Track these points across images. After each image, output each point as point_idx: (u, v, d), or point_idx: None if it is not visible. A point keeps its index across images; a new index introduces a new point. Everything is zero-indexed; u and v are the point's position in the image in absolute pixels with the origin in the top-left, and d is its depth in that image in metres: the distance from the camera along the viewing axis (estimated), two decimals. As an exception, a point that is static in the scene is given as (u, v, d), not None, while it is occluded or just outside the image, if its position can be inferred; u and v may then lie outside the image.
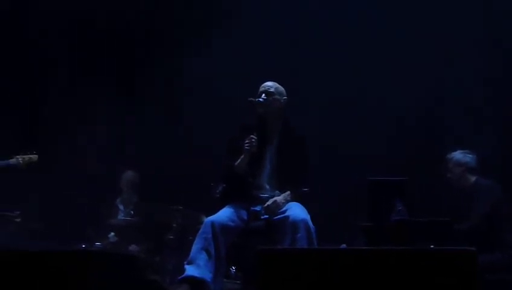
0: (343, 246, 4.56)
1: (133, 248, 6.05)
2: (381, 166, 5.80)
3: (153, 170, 6.67)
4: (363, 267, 2.72)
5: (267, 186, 4.31)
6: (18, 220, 5.64)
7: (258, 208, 4.23)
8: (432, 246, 3.64)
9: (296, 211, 4.10)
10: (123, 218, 6.28)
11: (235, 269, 5.15)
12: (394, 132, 6.14)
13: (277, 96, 4.38)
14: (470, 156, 5.13)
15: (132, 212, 6.32)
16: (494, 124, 5.89)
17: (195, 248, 4.03)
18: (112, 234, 6.06)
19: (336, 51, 6.34)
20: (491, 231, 4.81)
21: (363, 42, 6.23)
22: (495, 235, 4.81)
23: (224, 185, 4.61)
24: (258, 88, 4.42)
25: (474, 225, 4.82)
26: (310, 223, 4.03)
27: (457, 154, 5.15)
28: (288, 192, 4.23)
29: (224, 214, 4.17)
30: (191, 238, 5.04)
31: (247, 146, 4.16)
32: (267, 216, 4.20)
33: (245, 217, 4.12)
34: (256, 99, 4.26)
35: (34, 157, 5.39)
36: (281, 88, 4.45)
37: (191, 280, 3.94)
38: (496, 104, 5.91)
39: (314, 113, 6.15)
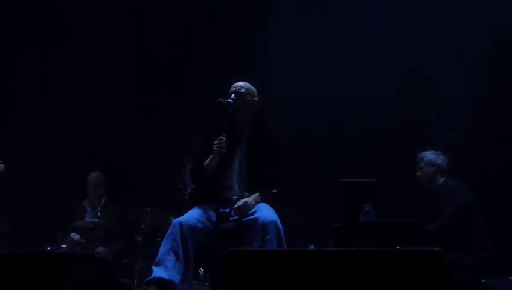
0: (312, 247, 4.59)
1: (100, 250, 5.98)
2: (352, 168, 5.84)
3: (121, 171, 6.62)
4: (332, 268, 2.72)
5: (237, 188, 4.28)
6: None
7: (227, 210, 4.21)
8: (398, 247, 3.67)
9: (266, 212, 4.09)
10: (90, 220, 6.20)
11: (204, 270, 5.12)
12: (365, 133, 6.18)
13: (248, 97, 4.33)
14: (442, 157, 5.21)
15: (99, 213, 6.24)
16: (466, 126, 5.98)
17: (163, 249, 3.99)
18: (73, 233, 5.98)
19: (309, 51, 6.36)
20: (459, 232, 4.87)
21: (337, 43, 6.25)
22: (463, 236, 4.87)
23: (193, 186, 4.58)
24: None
25: (442, 225, 4.88)
26: (279, 224, 4.03)
27: (430, 155, 5.21)
28: (258, 193, 4.21)
29: (193, 215, 4.13)
30: (159, 239, 5.01)
31: (216, 147, 4.13)
32: (236, 217, 4.18)
33: (213, 219, 4.09)
34: (226, 100, 4.22)
35: (1, 166, 5.29)
36: (253, 89, 4.39)
37: (159, 281, 3.90)
38: (470, 106, 5.98)
39: (287, 114, 6.15)
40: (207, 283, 5.01)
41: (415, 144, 5.67)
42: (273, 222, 3.98)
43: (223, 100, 4.20)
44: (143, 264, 5.53)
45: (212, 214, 4.11)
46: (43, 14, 6.96)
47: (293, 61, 6.34)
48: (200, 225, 4.09)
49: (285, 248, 3.98)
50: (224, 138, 4.12)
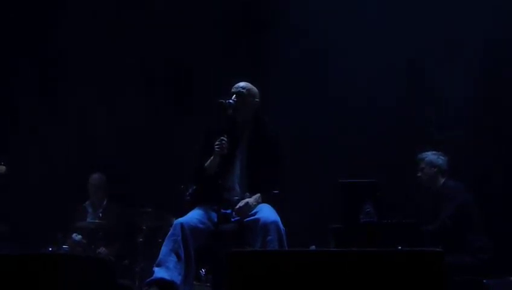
0: (313, 247, 4.59)
1: (101, 250, 5.99)
2: (352, 168, 5.84)
3: (122, 172, 6.62)
4: (333, 268, 2.73)
5: (237, 188, 4.28)
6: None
7: (228, 211, 4.21)
8: (399, 247, 3.68)
9: (267, 213, 4.09)
10: (92, 221, 6.20)
11: (205, 271, 5.13)
12: (365, 133, 6.19)
13: (249, 98, 4.33)
14: (443, 158, 5.21)
15: (101, 214, 6.24)
16: (466, 126, 5.99)
17: (164, 250, 4.00)
18: (75, 233, 5.99)
19: (309, 51, 6.36)
20: (459, 232, 4.87)
21: (337, 44, 6.25)
22: (463, 236, 4.87)
23: (194, 187, 4.58)
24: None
25: (442, 226, 4.89)
26: (281, 225, 4.03)
27: (431, 155, 5.21)
28: (259, 194, 4.21)
29: (194, 216, 4.14)
30: (160, 240, 5.01)
31: (217, 148, 4.13)
32: (237, 218, 4.19)
33: (215, 219, 4.10)
34: (226, 101, 4.22)
35: (2, 168, 5.29)
36: (254, 89, 4.39)
37: (160, 282, 3.90)
38: (470, 106, 5.99)
39: (287, 115, 6.15)
40: (208, 284, 5.02)
41: (415, 144, 5.67)
42: (275, 223, 3.99)
43: (223, 101, 4.20)
44: (144, 265, 5.55)
45: (214, 214, 4.12)
46: (44, 14, 6.97)
47: (293, 61, 6.34)
48: (201, 226, 4.09)
49: (287, 248, 3.99)
50: (225, 139, 4.13)
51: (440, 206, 5.03)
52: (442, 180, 5.17)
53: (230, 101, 4.22)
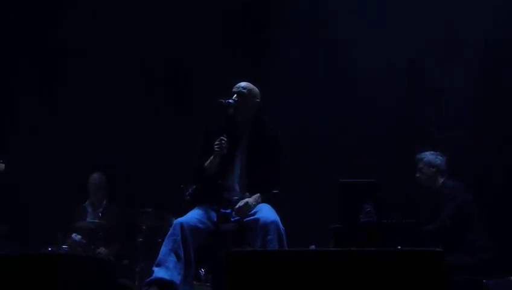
0: (313, 247, 4.59)
1: (101, 250, 5.99)
2: (352, 168, 5.85)
3: (122, 172, 6.62)
4: (332, 268, 2.73)
5: (237, 188, 4.28)
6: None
7: (228, 211, 4.21)
8: (399, 247, 3.68)
9: (267, 213, 4.09)
10: (91, 220, 6.20)
11: (205, 271, 5.13)
12: (365, 133, 6.19)
13: (249, 98, 4.33)
14: (441, 158, 5.21)
15: (100, 214, 6.25)
16: (466, 126, 5.99)
17: (164, 249, 4.00)
18: (75, 233, 5.99)
19: (309, 51, 6.36)
20: (459, 232, 4.87)
21: (337, 44, 6.25)
22: (463, 236, 4.88)
23: (194, 187, 4.58)
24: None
25: (442, 226, 4.89)
26: (280, 225, 4.03)
27: (429, 155, 5.22)
28: (259, 194, 4.22)
29: (194, 215, 4.14)
30: (160, 240, 5.02)
31: (217, 148, 4.13)
32: (237, 218, 4.19)
33: (214, 219, 4.10)
34: (226, 101, 4.21)
35: (1, 166, 5.28)
36: (255, 90, 4.39)
37: (160, 282, 3.90)
38: (470, 106, 5.99)
39: (287, 115, 6.16)
40: (208, 284, 5.02)
41: (415, 144, 5.67)
42: (274, 222, 3.99)
43: (223, 101, 4.20)
44: (144, 264, 5.55)
45: (213, 214, 4.11)
46: (44, 13, 6.97)
47: (293, 61, 6.34)
48: (201, 226, 4.10)
49: (286, 248, 3.99)
50: (225, 139, 4.13)
51: (440, 206, 5.03)
52: (441, 180, 5.17)
53: (230, 101, 4.22)
